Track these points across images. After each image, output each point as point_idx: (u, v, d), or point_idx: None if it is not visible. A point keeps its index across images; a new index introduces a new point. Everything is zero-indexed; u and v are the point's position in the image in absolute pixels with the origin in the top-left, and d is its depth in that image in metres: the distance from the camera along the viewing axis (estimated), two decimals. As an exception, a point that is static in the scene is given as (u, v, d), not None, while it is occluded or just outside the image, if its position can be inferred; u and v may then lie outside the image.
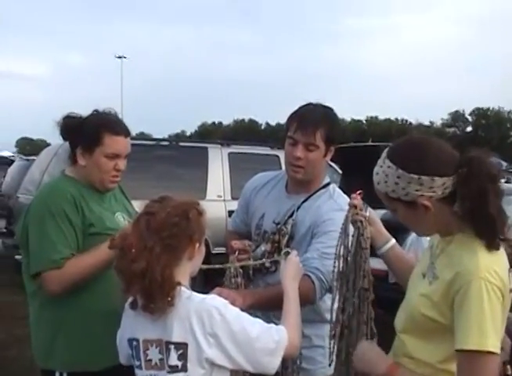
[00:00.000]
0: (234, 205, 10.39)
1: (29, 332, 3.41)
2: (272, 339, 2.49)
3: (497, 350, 2.20)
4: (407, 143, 2.48)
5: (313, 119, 3.32)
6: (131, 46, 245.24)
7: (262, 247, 3.47)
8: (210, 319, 2.38)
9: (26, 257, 3.29)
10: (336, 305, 2.92)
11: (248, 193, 3.79)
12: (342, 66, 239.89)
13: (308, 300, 3.11)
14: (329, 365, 3.05)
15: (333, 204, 3.38)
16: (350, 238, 2.89)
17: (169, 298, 2.42)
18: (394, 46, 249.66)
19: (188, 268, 2.59)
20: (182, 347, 2.42)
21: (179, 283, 2.48)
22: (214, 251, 9.99)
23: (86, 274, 3.12)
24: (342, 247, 2.92)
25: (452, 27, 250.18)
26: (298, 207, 3.45)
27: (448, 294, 2.29)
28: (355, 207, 2.89)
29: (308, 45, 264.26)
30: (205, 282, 9.55)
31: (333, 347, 2.95)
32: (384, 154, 2.46)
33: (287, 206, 3.49)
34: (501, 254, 2.37)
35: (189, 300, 2.45)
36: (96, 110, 3.42)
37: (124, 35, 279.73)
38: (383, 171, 2.43)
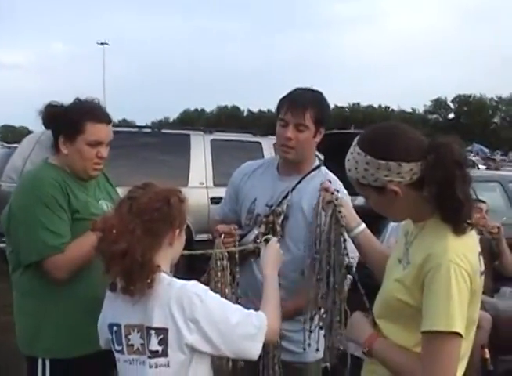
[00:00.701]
0: (216, 192, 10.58)
1: (13, 320, 3.43)
2: (252, 325, 2.53)
3: (463, 332, 2.25)
4: (375, 131, 2.54)
5: (303, 101, 3.45)
6: (113, 32, 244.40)
7: (255, 231, 3.52)
8: (190, 305, 2.41)
9: (10, 246, 3.32)
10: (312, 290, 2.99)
11: (237, 180, 3.84)
12: (326, 53, 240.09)
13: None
14: (304, 349, 3.13)
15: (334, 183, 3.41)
16: (323, 219, 2.97)
17: (148, 280, 2.45)
18: (377, 33, 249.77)
19: (168, 254, 2.62)
20: (162, 332, 2.45)
21: (159, 267, 2.51)
22: (196, 238, 10.07)
23: (88, 256, 3.11)
24: (316, 229, 2.99)
25: (435, 15, 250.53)
26: (293, 189, 3.53)
27: (419, 277, 2.34)
28: (326, 190, 3.00)
29: (292, 32, 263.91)
30: (188, 269, 9.60)
31: (310, 329, 3.07)
32: (355, 142, 2.51)
33: (281, 188, 3.57)
34: (471, 237, 2.43)
35: (169, 286, 2.48)
36: (78, 99, 3.43)
37: (107, 22, 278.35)
38: (353, 157, 2.49)
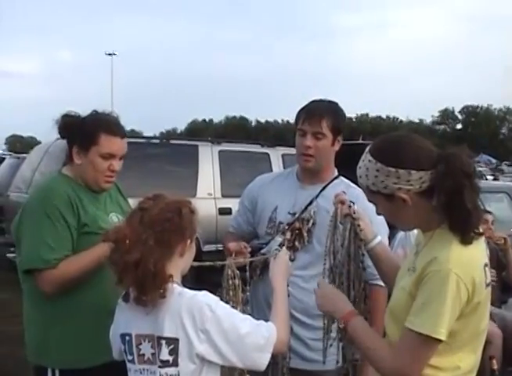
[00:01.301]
0: (224, 203, 10.58)
1: (22, 330, 3.44)
2: (261, 335, 2.53)
3: (445, 338, 2.30)
4: (387, 139, 2.60)
5: (319, 110, 3.57)
6: (121, 43, 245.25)
7: (278, 239, 3.54)
8: (201, 315, 2.42)
9: (20, 255, 3.32)
10: None
11: (254, 191, 3.88)
12: (333, 63, 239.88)
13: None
14: (324, 362, 3.14)
15: (359, 192, 3.29)
16: (339, 233, 2.98)
17: (161, 290, 2.46)
18: (384, 43, 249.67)
19: (179, 264, 2.64)
20: (173, 342, 2.46)
21: (171, 277, 2.52)
22: (204, 249, 10.03)
23: (80, 274, 3.15)
24: (333, 243, 2.99)
25: (443, 25, 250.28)
26: (317, 196, 3.58)
27: (419, 280, 2.38)
28: (342, 203, 2.99)
29: (299, 42, 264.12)
30: (196, 280, 9.62)
31: (326, 342, 3.07)
32: (367, 150, 2.56)
33: (303, 196, 3.62)
34: (478, 248, 2.46)
35: (180, 296, 2.49)
36: (95, 110, 3.47)
37: (115, 32, 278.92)
38: (364, 165, 2.53)
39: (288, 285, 3.01)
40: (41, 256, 3.15)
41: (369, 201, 2.66)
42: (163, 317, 2.48)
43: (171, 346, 2.46)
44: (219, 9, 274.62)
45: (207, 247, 10.02)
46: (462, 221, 2.39)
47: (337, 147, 3.63)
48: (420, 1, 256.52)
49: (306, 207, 3.54)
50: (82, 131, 3.35)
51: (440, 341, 2.30)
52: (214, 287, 3.11)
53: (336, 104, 3.69)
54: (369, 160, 2.51)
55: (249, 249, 3.42)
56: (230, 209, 9.98)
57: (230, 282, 3.21)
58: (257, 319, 2.63)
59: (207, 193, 10.56)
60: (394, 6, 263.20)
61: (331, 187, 3.60)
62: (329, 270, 3.02)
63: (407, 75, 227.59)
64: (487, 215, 6.94)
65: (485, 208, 7.95)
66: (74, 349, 3.27)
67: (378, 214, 2.68)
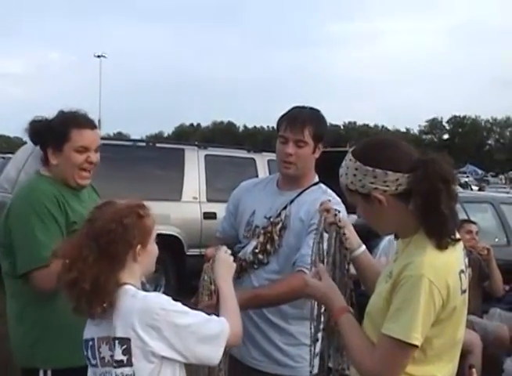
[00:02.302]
0: (209, 207, 10.58)
1: (5, 330, 3.42)
2: (213, 330, 2.57)
3: (420, 343, 2.31)
4: (369, 140, 2.66)
5: (301, 118, 3.55)
6: (110, 45, 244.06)
7: (253, 242, 3.57)
8: (151, 313, 2.46)
9: (8, 257, 3.34)
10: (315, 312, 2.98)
11: (238, 195, 3.90)
12: (322, 71, 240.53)
13: (302, 294, 3.14)
14: (311, 371, 3.13)
15: (330, 199, 3.45)
16: (325, 242, 2.96)
17: (105, 304, 2.51)
18: (373, 53, 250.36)
19: (136, 269, 2.67)
20: (125, 342, 2.49)
21: (124, 284, 2.57)
22: (188, 253, 10.06)
23: None
24: (319, 251, 2.97)
25: (432, 36, 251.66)
26: (292, 201, 3.59)
27: (395, 286, 2.39)
28: (327, 211, 2.98)
29: (289, 49, 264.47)
30: (179, 287, 9.62)
31: (314, 351, 3.02)
32: (350, 150, 2.59)
33: (280, 201, 3.62)
34: (454, 254, 2.47)
35: (133, 297, 2.52)
36: (61, 110, 3.49)
37: (104, 34, 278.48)
38: (345, 164, 2.57)
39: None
40: (38, 256, 3.17)
41: (349, 202, 2.69)
42: (116, 319, 2.51)
43: (124, 346, 2.49)
44: (209, 14, 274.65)
45: (191, 251, 10.03)
46: (437, 226, 2.41)
47: (317, 154, 3.63)
48: (409, 12, 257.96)
49: (280, 212, 3.56)
50: (52, 131, 3.39)
51: (415, 346, 2.31)
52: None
53: (318, 111, 3.69)
54: (350, 160, 2.54)
55: (229, 252, 3.41)
56: (215, 214, 9.99)
57: (206, 287, 3.20)
58: None
59: (193, 197, 10.52)
60: (383, 16, 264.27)
61: (307, 193, 3.62)
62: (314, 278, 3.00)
63: (396, 85, 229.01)
64: (471, 225, 6.99)
65: (469, 218, 8.02)
66: (66, 349, 3.27)
67: (358, 216, 2.71)
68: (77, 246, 2.56)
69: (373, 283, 2.85)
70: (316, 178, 3.75)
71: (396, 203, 2.48)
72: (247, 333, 3.49)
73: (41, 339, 3.30)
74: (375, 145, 2.59)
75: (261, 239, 3.54)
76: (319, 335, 2.97)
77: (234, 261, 3.14)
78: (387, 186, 2.46)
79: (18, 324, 3.40)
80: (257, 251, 3.52)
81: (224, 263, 3.04)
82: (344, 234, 2.92)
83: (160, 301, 2.51)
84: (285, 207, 3.57)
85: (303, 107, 3.67)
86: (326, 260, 2.93)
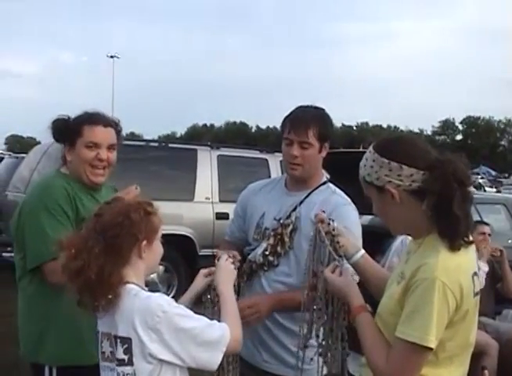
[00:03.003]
0: (222, 207, 10.58)
1: (13, 329, 3.44)
2: (214, 335, 2.56)
3: (435, 346, 2.31)
4: (390, 136, 2.74)
5: (305, 119, 3.53)
6: (123, 46, 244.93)
7: (263, 244, 3.56)
8: (152, 315, 2.46)
9: (20, 253, 3.37)
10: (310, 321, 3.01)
11: (246, 198, 3.89)
12: (334, 72, 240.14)
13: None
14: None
15: (339, 199, 3.54)
16: (321, 251, 2.98)
17: (109, 296, 2.52)
18: (386, 53, 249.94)
19: (141, 266, 2.68)
20: (126, 341, 2.51)
21: (126, 282, 2.58)
22: (201, 253, 10.12)
23: None
24: (313, 261, 3.00)
25: (446, 36, 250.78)
26: (301, 202, 3.58)
27: (407, 289, 2.39)
28: (322, 221, 3.01)
29: (301, 50, 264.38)
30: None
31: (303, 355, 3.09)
32: (372, 144, 2.62)
33: (289, 202, 3.61)
34: (467, 256, 2.47)
35: (135, 297, 2.54)
36: (85, 111, 3.53)
37: (117, 35, 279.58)
38: (365, 156, 2.60)
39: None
40: (47, 250, 3.17)
41: (365, 214, 2.70)
42: (118, 317, 2.54)
43: (125, 345, 2.52)
44: (221, 16, 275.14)
45: (203, 251, 10.07)
46: (450, 227, 2.41)
47: (324, 154, 3.61)
48: (423, 13, 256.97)
49: (290, 213, 3.55)
50: (68, 128, 3.44)
51: (430, 349, 2.30)
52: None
53: (322, 110, 3.66)
54: (369, 151, 2.58)
55: (238, 258, 3.39)
56: (227, 214, 9.97)
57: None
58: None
59: (205, 198, 10.55)
60: (398, 17, 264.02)
61: (316, 193, 3.62)
62: (309, 287, 3.01)
63: (409, 85, 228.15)
64: (484, 227, 6.95)
65: (482, 220, 8.00)
66: (71, 346, 3.30)
67: (383, 226, 2.71)
68: (84, 238, 2.58)
69: (375, 285, 2.89)
70: (324, 178, 3.74)
71: (409, 200, 2.49)
72: (258, 337, 3.53)
73: (47, 335, 3.33)
74: (394, 139, 2.64)
75: (272, 241, 3.53)
76: (311, 342, 3.03)
77: (243, 263, 3.15)
78: (401, 180, 2.47)
79: (25, 320, 3.44)
80: (267, 253, 3.52)
81: (224, 270, 3.04)
82: (338, 242, 2.94)
83: (163, 302, 2.50)
84: (294, 209, 3.56)
85: (306, 107, 3.65)
86: (320, 269, 2.95)
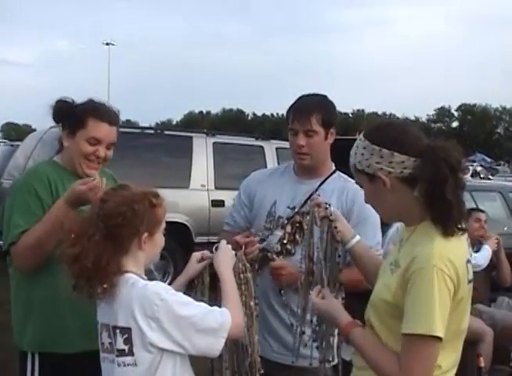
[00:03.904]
0: (217, 195, 10.58)
1: (9, 317, 3.44)
2: (214, 321, 2.54)
3: (442, 335, 2.29)
4: (379, 122, 2.68)
5: (306, 107, 3.56)
6: (119, 33, 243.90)
7: (278, 233, 3.54)
8: (150, 304, 2.45)
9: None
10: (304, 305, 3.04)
11: (252, 186, 3.86)
12: (331, 59, 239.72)
13: (361, 287, 3.17)
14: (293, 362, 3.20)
15: (356, 186, 3.44)
16: (315, 238, 2.99)
17: (105, 285, 2.51)
18: (383, 40, 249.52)
19: (140, 257, 2.67)
20: (126, 331, 2.50)
21: (125, 271, 2.57)
22: (196, 241, 10.11)
23: (40, 240, 3.13)
24: (310, 246, 3.02)
25: (442, 23, 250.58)
26: (316, 190, 3.58)
27: (404, 280, 2.37)
28: (318, 206, 2.99)
29: (297, 37, 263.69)
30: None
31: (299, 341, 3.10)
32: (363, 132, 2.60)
33: (302, 191, 3.61)
34: (460, 243, 2.47)
35: (132, 286, 2.52)
36: (91, 99, 3.49)
37: (113, 22, 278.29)
38: (356, 144, 2.58)
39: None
40: (11, 234, 3.19)
41: (356, 183, 2.74)
42: (116, 307, 2.53)
43: (125, 335, 2.50)
44: (218, 2, 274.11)
45: (199, 239, 10.09)
46: (443, 213, 2.39)
47: (330, 140, 3.63)
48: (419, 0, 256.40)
49: (306, 201, 3.52)
50: (72, 115, 3.40)
51: (438, 338, 2.28)
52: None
53: (324, 97, 3.68)
54: (360, 139, 2.56)
55: (257, 238, 3.41)
56: (223, 201, 10.04)
57: (242, 276, 3.11)
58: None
59: (201, 185, 10.54)
60: (393, 3, 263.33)
61: (329, 182, 3.63)
62: (306, 272, 3.03)
63: (405, 72, 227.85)
64: (480, 214, 6.96)
65: (478, 207, 8.01)
66: (52, 332, 3.27)
67: (365, 202, 2.71)
68: (85, 223, 2.57)
69: (369, 271, 2.90)
70: (333, 167, 3.75)
71: (401, 187, 2.48)
72: (270, 327, 3.52)
73: (29, 321, 3.31)
74: (385, 126, 2.61)
75: (289, 229, 3.51)
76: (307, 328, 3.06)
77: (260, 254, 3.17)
78: (393, 167, 2.46)
79: (12, 306, 3.43)
80: (285, 241, 3.51)
81: (226, 253, 3.01)
82: (336, 227, 2.93)
83: (160, 291, 2.49)
84: (310, 197, 3.53)
85: (308, 95, 3.68)
86: (316, 254, 2.97)
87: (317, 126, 3.52)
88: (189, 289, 3.09)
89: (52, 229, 3.08)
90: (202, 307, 2.58)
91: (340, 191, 3.55)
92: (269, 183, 3.78)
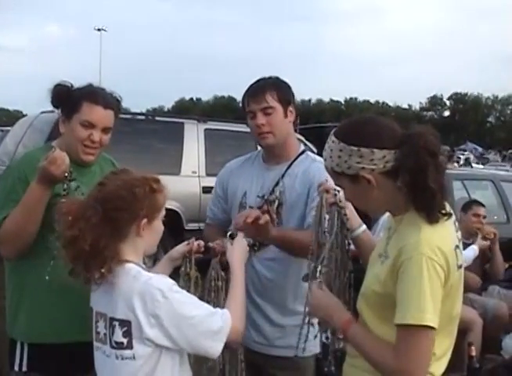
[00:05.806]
0: (209, 181, 10.56)
1: (4, 304, 3.42)
2: (215, 324, 2.51)
3: (435, 325, 2.27)
4: (349, 120, 2.61)
5: (259, 87, 3.56)
6: (110, 19, 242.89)
7: None
8: (152, 300, 2.41)
9: None
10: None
11: (224, 178, 3.84)
12: (324, 46, 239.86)
13: (300, 254, 3.17)
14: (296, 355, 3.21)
15: (320, 166, 3.34)
16: (326, 223, 2.88)
17: (102, 270, 2.46)
18: (376, 29, 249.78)
19: (139, 244, 2.62)
20: (126, 324, 2.45)
21: (126, 261, 2.53)
22: (187, 227, 10.09)
23: (18, 224, 3.10)
24: (319, 233, 2.90)
25: (434, 12, 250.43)
26: (283, 175, 3.53)
27: (393, 270, 2.36)
28: (327, 191, 2.90)
29: (291, 24, 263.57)
30: (174, 270, 9.59)
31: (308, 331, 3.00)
32: (332, 132, 2.54)
33: (270, 177, 3.58)
34: (446, 229, 2.44)
35: (134, 278, 2.47)
36: (90, 84, 3.46)
37: (104, 8, 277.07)
38: (328, 146, 2.52)
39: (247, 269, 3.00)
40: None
41: (336, 185, 2.66)
42: (116, 298, 2.48)
43: (125, 328, 2.46)
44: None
45: (190, 226, 10.07)
46: (427, 200, 2.37)
47: (291, 118, 3.59)
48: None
49: (273, 189, 3.50)
50: (68, 99, 3.35)
51: (432, 328, 2.26)
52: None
53: (277, 77, 3.66)
54: (333, 141, 2.50)
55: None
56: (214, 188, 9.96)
57: (213, 283, 3.11)
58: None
59: (192, 172, 10.52)
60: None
61: (296, 165, 3.57)
62: (315, 260, 2.91)
63: (398, 61, 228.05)
64: (480, 209, 6.96)
65: (470, 196, 7.98)
66: (40, 323, 3.23)
67: (346, 200, 2.68)
68: (83, 206, 2.53)
69: None
70: (302, 147, 3.70)
71: (385, 181, 2.45)
72: (250, 317, 3.43)
73: (20, 310, 3.29)
74: (355, 123, 2.56)
75: None
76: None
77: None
78: (375, 164, 2.42)
79: (6, 291, 3.40)
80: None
81: (242, 248, 2.99)
82: (345, 215, 2.87)
83: (163, 287, 2.44)
84: (277, 183, 3.51)
85: (262, 78, 3.65)
86: (327, 241, 2.87)
87: (274, 102, 3.48)
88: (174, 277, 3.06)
89: (28, 212, 3.07)
90: (204, 308, 2.55)
91: (303, 174, 3.50)
92: (240, 173, 3.75)
